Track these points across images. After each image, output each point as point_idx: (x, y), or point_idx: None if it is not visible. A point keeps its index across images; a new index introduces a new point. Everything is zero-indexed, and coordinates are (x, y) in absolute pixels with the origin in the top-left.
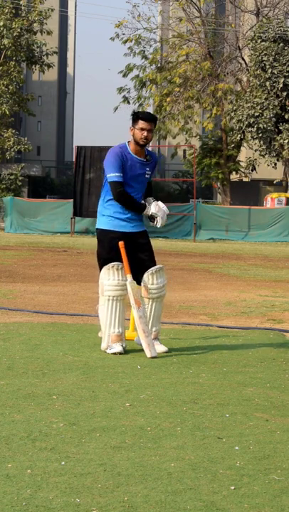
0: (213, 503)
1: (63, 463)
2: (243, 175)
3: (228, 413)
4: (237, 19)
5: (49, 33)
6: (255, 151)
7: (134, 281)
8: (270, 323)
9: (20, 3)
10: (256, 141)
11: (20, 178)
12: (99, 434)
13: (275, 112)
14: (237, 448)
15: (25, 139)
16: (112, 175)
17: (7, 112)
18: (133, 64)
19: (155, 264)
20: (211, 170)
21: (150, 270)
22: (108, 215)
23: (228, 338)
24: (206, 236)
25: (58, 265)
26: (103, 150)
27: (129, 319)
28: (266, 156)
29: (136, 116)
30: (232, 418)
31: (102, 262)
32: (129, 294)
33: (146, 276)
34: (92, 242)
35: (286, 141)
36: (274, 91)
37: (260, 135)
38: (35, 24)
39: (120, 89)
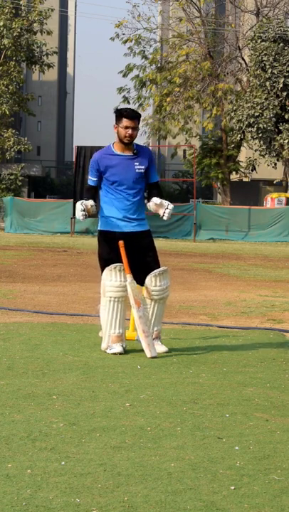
0: (213, 503)
1: (63, 463)
2: (243, 175)
3: (228, 413)
4: (237, 19)
5: (49, 33)
6: (255, 151)
7: (134, 281)
8: (270, 323)
9: (21, 3)
10: (256, 141)
11: (21, 178)
12: (99, 434)
13: (275, 111)
14: (237, 448)
15: (25, 139)
16: (89, 177)
17: (7, 112)
18: (133, 64)
19: (159, 266)
20: (211, 170)
21: (153, 272)
22: (105, 216)
23: (228, 338)
24: (206, 236)
25: (58, 265)
26: None
27: (129, 319)
28: (266, 156)
29: (119, 114)
30: (232, 418)
31: (103, 263)
32: (128, 294)
33: (150, 279)
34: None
35: (286, 141)
36: (274, 91)
37: (260, 135)
38: (35, 24)
39: (120, 89)
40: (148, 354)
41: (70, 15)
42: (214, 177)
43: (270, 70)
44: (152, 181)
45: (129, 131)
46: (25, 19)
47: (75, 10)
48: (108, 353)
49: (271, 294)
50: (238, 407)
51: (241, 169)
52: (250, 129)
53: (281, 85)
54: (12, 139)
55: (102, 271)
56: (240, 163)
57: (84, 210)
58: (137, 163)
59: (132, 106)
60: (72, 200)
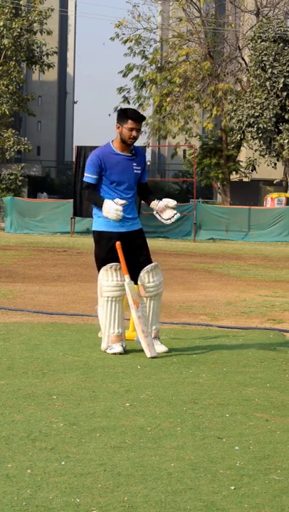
0: (213, 503)
1: (63, 463)
2: (243, 175)
3: (228, 413)
4: (237, 19)
5: (49, 33)
6: (255, 151)
7: (132, 282)
8: (270, 323)
9: (20, 3)
10: (256, 141)
11: (21, 178)
12: (99, 434)
13: (275, 111)
14: (237, 448)
15: (25, 139)
16: (86, 175)
17: (7, 112)
18: (133, 64)
19: (151, 262)
20: (211, 170)
21: (146, 268)
22: (103, 216)
23: (228, 338)
24: (206, 236)
25: (58, 265)
26: None
27: (128, 319)
28: (266, 156)
29: (124, 115)
30: (232, 418)
31: (101, 263)
32: (127, 295)
33: (143, 275)
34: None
35: (286, 141)
36: (274, 91)
37: (260, 135)
38: (35, 24)
39: (120, 89)
40: (148, 354)
41: (70, 15)
42: (214, 177)
43: (270, 70)
44: (143, 182)
45: (134, 132)
46: (25, 19)
47: (75, 10)
48: (108, 353)
49: (271, 294)
50: (238, 407)
51: (241, 169)
52: (250, 129)
53: (281, 85)
54: (12, 139)
55: (99, 271)
56: (240, 163)
57: (118, 210)
58: (135, 164)
59: (132, 106)
60: (72, 200)
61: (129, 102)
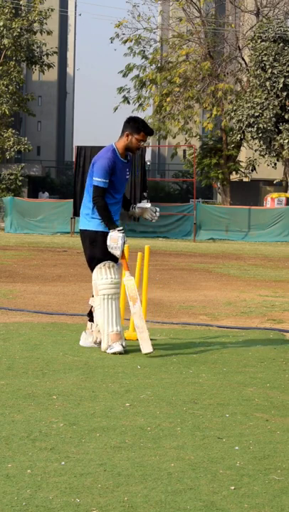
0: (213, 503)
1: (63, 463)
2: (243, 175)
3: (228, 413)
4: (237, 19)
5: (49, 33)
6: (255, 151)
7: (132, 278)
8: (270, 323)
9: (20, 3)
10: (256, 141)
11: (21, 178)
12: (99, 434)
13: (275, 111)
14: (237, 448)
15: (25, 139)
16: (100, 180)
17: (7, 112)
18: (133, 64)
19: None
20: (211, 170)
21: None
22: (99, 218)
23: (228, 338)
24: (206, 236)
25: (58, 265)
26: None
27: (128, 319)
28: (266, 156)
29: (139, 127)
30: (232, 418)
31: (96, 263)
32: (126, 289)
33: None
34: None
35: (286, 141)
36: (274, 91)
37: (260, 135)
38: (35, 24)
39: (120, 89)
40: (142, 350)
41: (70, 15)
42: (214, 177)
43: (270, 70)
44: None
45: (142, 143)
46: (25, 19)
47: (75, 10)
48: (109, 353)
49: (271, 294)
50: (238, 407)
51: (241, 169)
52: (250, 129)
53: (281, 85)
54: (12, 139)
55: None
56: (240, 163)
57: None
58: (128, 170)
59: (132, 106)
60: (72, 200)
61: (129, 102)
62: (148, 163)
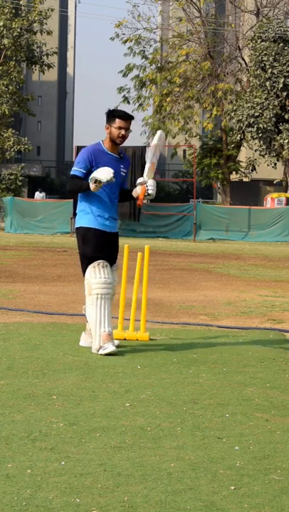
0: (213, 503)
1: (63, 463)
2: (243, 175)
3: (228, 413)
4: (237, 19)
5: (49, 33)
6: (255, 151)
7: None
8: (270, 323)
9: (20, 3)
10: (256, 141)
11: (21, 178)
12: (99, 434)
13: (275, 111)
14: (237, 448)
15: (25, 139)
16: (75, 168)
17: (7, 112)
18: (133, 64)
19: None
20: (211, 170)
21: (113, 267)
22: (93, 214)
23: (228, 338)
24: (206, 236)
25: (58, 265)
26: None
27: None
28: (266, 156)
29: (112, 115)
30: (232, 418)
31: (87, 261)
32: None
33: None
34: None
35: (286, 141)
36: (274, 91)
37: (260, 135)
38: (35, 24)
39: (120, 89)
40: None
41: (70, 15)
42: (214, 177)
43: (270, 70)
44: (125, 187)
45: (122, 131)
46: (25, 19)
47: (75, 10)
48: (101, 354)
49: (271, 294)
50: (238, 407)
51: (241, 169)
52: (250, 129)
53: (281, 85)
54: (12, 139)
55: (84, 269)
56: (240, 163)
57: (111, 171)
58: (122, 166)
59: (132, 106)
60: (72, 200)
61: (129, 102)
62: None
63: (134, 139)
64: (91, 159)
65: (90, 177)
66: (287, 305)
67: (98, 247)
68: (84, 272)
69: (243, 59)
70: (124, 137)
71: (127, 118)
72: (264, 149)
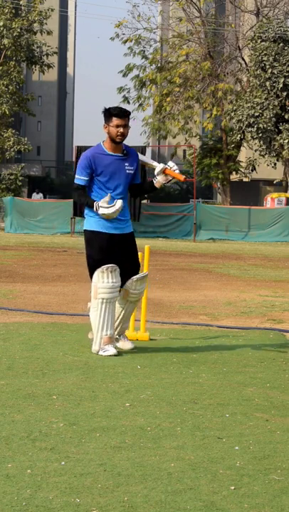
0: (213, 503)
1: (63, 463)
2: (243, 175)
3: (228, 413)
4: (237, 19)
5: (49, 33)
6: (255, 151)
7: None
8: (270, 323)
9: (20, 3)
10: (256, 141)
11: (21, 178)
12: (99, 434)
13: (275, 111)
14: (237, 448)
15: (25, 139)
16: (77, 177)
17: (7, 112)
18: (133, 64)
19: (138, 270)
20: (211, 170)
21: (136, 277)
22: (96, 216)
23: (228, 338)
24: (206, 236)
25: (58, 265)
26: None
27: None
28: (266, 156)
29: (108, 113)
30: (232, 418)
31: (92, 263)
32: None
33: (131, 283)
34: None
35: (286, 141)
36: (274, 91)
37: (260, 135)
38: (35, 24)
39: (120, 89)
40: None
41: (70, 15)
42: (214, 177)
43: (270, 70)
44: (137, 182)
45: (121, 129)
46: (25, 19)
47: (75, 10)
48: (102, 355)
49: (271, 294)
50: (238, 407)
51: (241, 169)
52: (250, 129)
53: (281, 85)
54: (12, 139)
55: (91, 272)
56: (240, 163)
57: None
58: (127, 164)
59: (132, 106)
60: (72, 200)
61: (129, 102)
62: None
63: (135, 139)
64: (90, 164)
65: (100, 210)
66: (287, 305)
67: (103, 250)
68: (90, 273)
69: (243, 59)
70: (123, 135)
71: (124, 115)
72: (264, 149)
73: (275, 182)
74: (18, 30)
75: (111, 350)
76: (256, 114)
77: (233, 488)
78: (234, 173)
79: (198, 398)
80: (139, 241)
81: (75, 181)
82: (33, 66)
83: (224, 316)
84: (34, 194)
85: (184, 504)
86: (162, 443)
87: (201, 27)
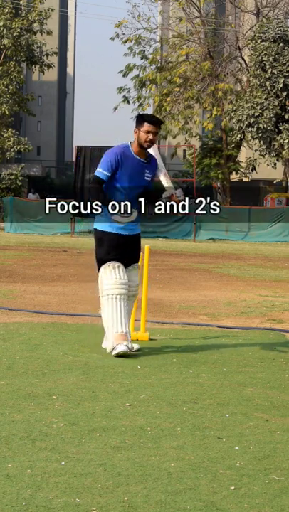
0: (213, 503)
1: (63, 463)
2: (243, 175)
3: (228, 413)
4: (237, 19)
5: (49, 33)
6: (255, 151)
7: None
8: (270, 323)
9: (20, 3)
10: (256, 141)
11: (21, 178)
12: (99, 434)
13: (275, 111)
14: (237, 448)
15: (25, 139)
16: (99, 170)
17: (7, 112)
18: (133, 64)
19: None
20: (211, 170)
21: (130, 266)
22: (108, 217)
23: (228, 338)
24: (206, 236)
25: (58, 265)
26: (103, 150)
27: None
28: (266, 156)
29: (142, 119)
30: (232, 418)
31: (100, 262)
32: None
33: (128, 274)
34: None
35: (286, 141)
36: (274, 91)
37: (260, 135)
38: (35, 24)
39: (120, 89)
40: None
41: (70, 15)
42: (214, 177)
43: (270, 70)
44: (150, 189)
45: (150, 136)
46: (25, 19)
47: (75, 10)
48: (113, 354)
49: (271, 294)
50: (238, 407)
51: (241, 169)
52: (250, 129)
53: (281, 85)
54: (12, 139)
55: (99, 269)
56: (240, 163)
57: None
58: (147, 171)
59: (132, 106)
60: (72, 200)
61: (129, 102)
62: None
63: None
64: (117, 162)
65: (114, 217)
66: (287, 305)
67: (112, 250)
68: (99, 270)
69: (243, 59)
70: (151, 141)
71: (156, 123)
72: (264, 149)
73: (275, 182)
74: (18, 30)
75: (120, 348)
76: (256, 114)
77: (233, 488)
78: (234, 173)
79: (198, 398)
80: None
81: (96, 174)
82: (33, 66)
83: (224, 316)
84: (30, 194)
85: (184, 504)
86: (162, 443)
87: (201, 27)
